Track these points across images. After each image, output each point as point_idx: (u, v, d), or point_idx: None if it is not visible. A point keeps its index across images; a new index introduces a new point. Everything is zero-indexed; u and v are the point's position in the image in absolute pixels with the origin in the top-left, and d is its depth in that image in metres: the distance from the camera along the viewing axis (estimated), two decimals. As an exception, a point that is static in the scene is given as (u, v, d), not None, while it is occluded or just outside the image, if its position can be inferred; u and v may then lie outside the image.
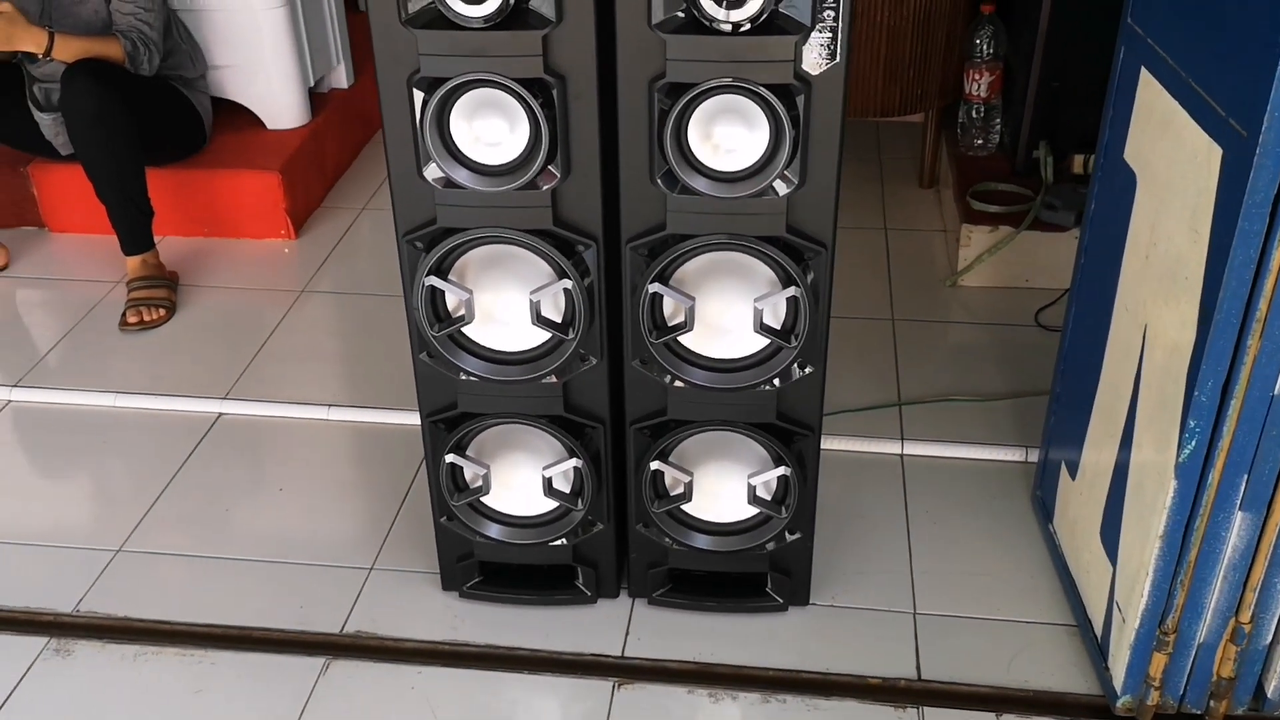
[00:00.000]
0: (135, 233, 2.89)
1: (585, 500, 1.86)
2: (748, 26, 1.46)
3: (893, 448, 2.36)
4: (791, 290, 1.64)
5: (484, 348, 1.76)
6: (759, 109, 1.52)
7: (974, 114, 3.11)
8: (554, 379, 1.76)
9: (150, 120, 2.89)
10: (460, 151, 1.60)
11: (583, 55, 1.53)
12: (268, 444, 2.46)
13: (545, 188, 1.61)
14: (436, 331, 1.72)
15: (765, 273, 1.67)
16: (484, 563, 2.00)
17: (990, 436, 2.38)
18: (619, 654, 1.93)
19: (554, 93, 1.54)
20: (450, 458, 1.84)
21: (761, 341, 1.71)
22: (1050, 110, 2.91)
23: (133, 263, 2.90)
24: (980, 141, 3.13)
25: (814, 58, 1.50)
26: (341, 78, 3.64)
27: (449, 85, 1.53)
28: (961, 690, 1.86)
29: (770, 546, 1.89)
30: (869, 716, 1.82)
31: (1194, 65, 1.50)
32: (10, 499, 2.33)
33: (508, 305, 1.72)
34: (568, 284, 1.66)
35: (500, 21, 1.49)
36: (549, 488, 1.85)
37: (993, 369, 2.60)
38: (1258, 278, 1.39)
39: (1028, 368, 2.57)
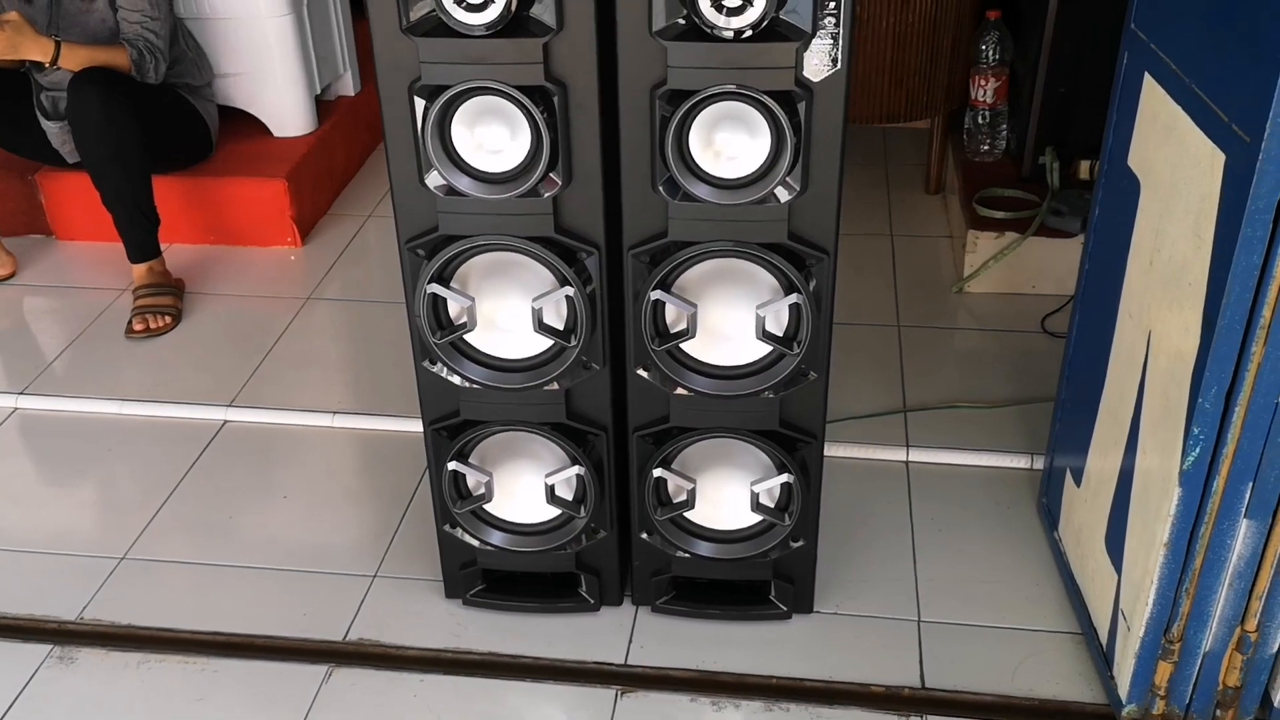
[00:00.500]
0: (141, 240, 2.90)
1: (588, 508, 1.86)
2: (749, 33, 1.46)
3: (898, 454, 2.36)
4: (794, 297, 1.63)
5: (486, 355, 1.76)
6: (760, 116, 1.51)
7: (980, 120, 3.11)
8: (556, 386, 1.76)
9: (157, 128, 2.90)
10: (462, 159, 1.60)
11: (584, 63, 1.53)
12: (272, 451, 2.46)
13: (547, 195, 1.61)
14: (439, 339, 1.72)
15: (767, 279, 1.67)
16: (487, 570, 2.00)
17: (996, 443, 2.37)
18: (622, 662, 1.92)
19: (555, 100, 1.54)
20: (453, 465, 1.83)
21: (764, 348, 1.71)
22: (1056, 116, 2.91)
23: (139, 270, 2.91)
24: (986, 147, 3.13)
25: (815, 64, 1.50)
26: (348, 85, 3.65)
27: (450, 93, 1.53)
28: (966, 699, 1.85)
29: (774, 554, 1.89)
30: (873, 725, 1.81)
31: (1197, 71, 1.50)
32: (15, 506, 2.34)
33: (510, 312, 1.71)
34: (570, 291, 1.66)
35: (501, 29, 1.49)
36: (552, 495, 1.85)
37: (999, 375, 2.59)
38: (1261, 284, 1.38)
39: (1034, 374, 2.57)
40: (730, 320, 1.69)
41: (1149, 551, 1.63)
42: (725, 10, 1.44)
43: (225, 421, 2.54)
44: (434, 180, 1.60)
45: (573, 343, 1.70)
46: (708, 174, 1.57)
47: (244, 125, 3.35)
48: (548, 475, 1.83)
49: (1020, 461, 2.32)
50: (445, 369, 1.75)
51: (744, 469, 1.83)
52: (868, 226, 3.21)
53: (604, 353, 1.73)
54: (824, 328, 1.68)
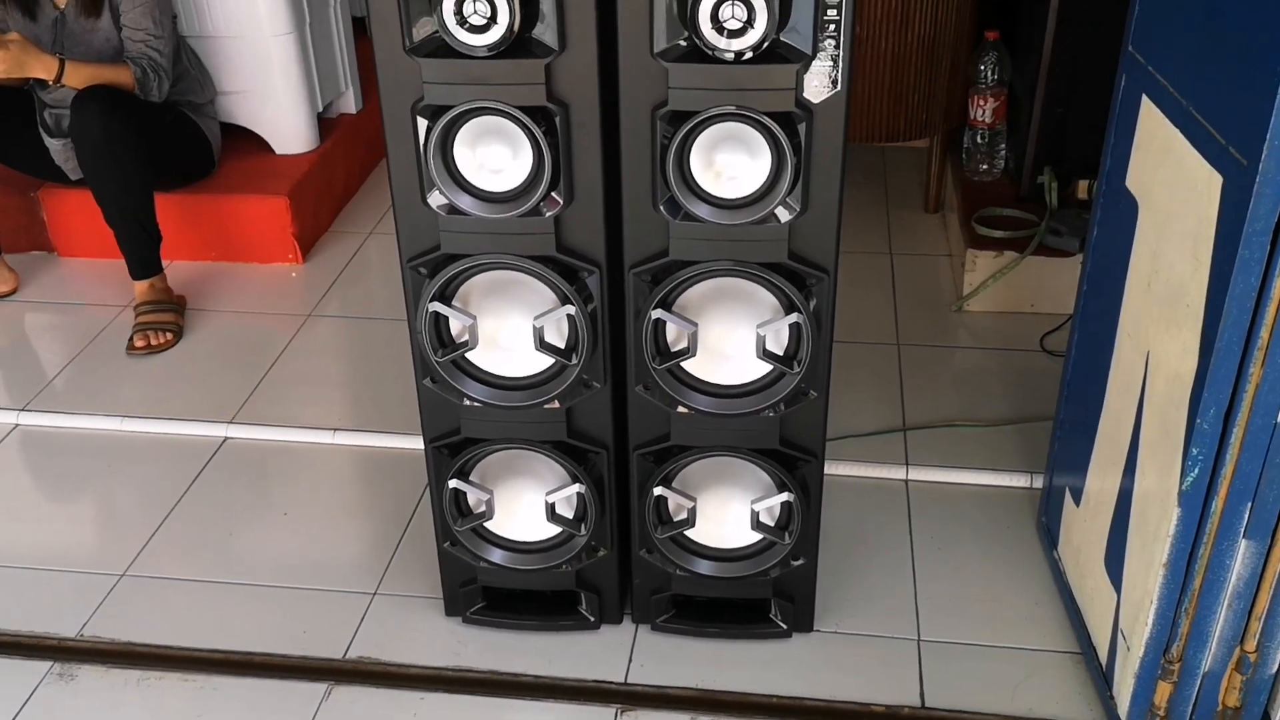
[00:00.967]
0: (143, 257, 2.91)
1: (588, 526, 1.86)
2: (749, 55, 1.47)
3: (898, 473, 2.36)
4: (794, 316, 1.64)
5: (487, 373, 1.77)
6: (761, 136, 1.52)
7: (979, 139, 3.12)
8: (557, 404, 1.76)
9: (159, 145, 2.91)
10: (464, 178, 1.61)
11: (585, 83, 1.54)
12: (273, 468, 2.47)
13: (548, 214, 1.61)
14: (440, 357, 1.73)
15: (768, 299, 1.67)
16: (487, 588, 2.00)
17: (995, 462, 2.37)
18: (622, 680, 1.92)
19: (557, 120, 1.55)
20: (453, 483, 1.84)
21: (764, 367, 1.71)
22: (1055, 136, 2.92)
23: (140, 287, 2.92)
24: (985, 167, 3.14)
25: (815, 86, 1.51)
26: (350, 103, 3.67)
27: (453, 113, 1.54)
28: (966, 718, 1.85)
29: (774, 572, 1.89)
30: (873, 744, 1.81)
31: (1194, 93, 1.51)
32: (16, 523, 2.34)
33: (511, 331, 1.72)
34: (571, 310, 1.67)
35: (504, 50, 1.50)
36: (552, 513, 1.85)
37: (998, 394, 2.60)
38: (1259, 306, 1.39)
39: (1033, 393, 2.57)
40: (731, 339, 1.70)
41: (1148, 571, 1.63)
42: (726, 33, 1.45)
43: (226, 438, 2.54)
44: (436, 199, 1.61)
45: (574, 361, 1.71)
46: (708, 194, 1.58)
47: (246, 142, 3.37)
48: (548, 493, 1.83)
49: (1020, 480, 2.32)
50: (446, 387, 1.76)
51: (744, 487, 1.84)
52: (867, 245, 3.22)
53: (605, 371, 1.74)
54: (824, 347, 1.69)
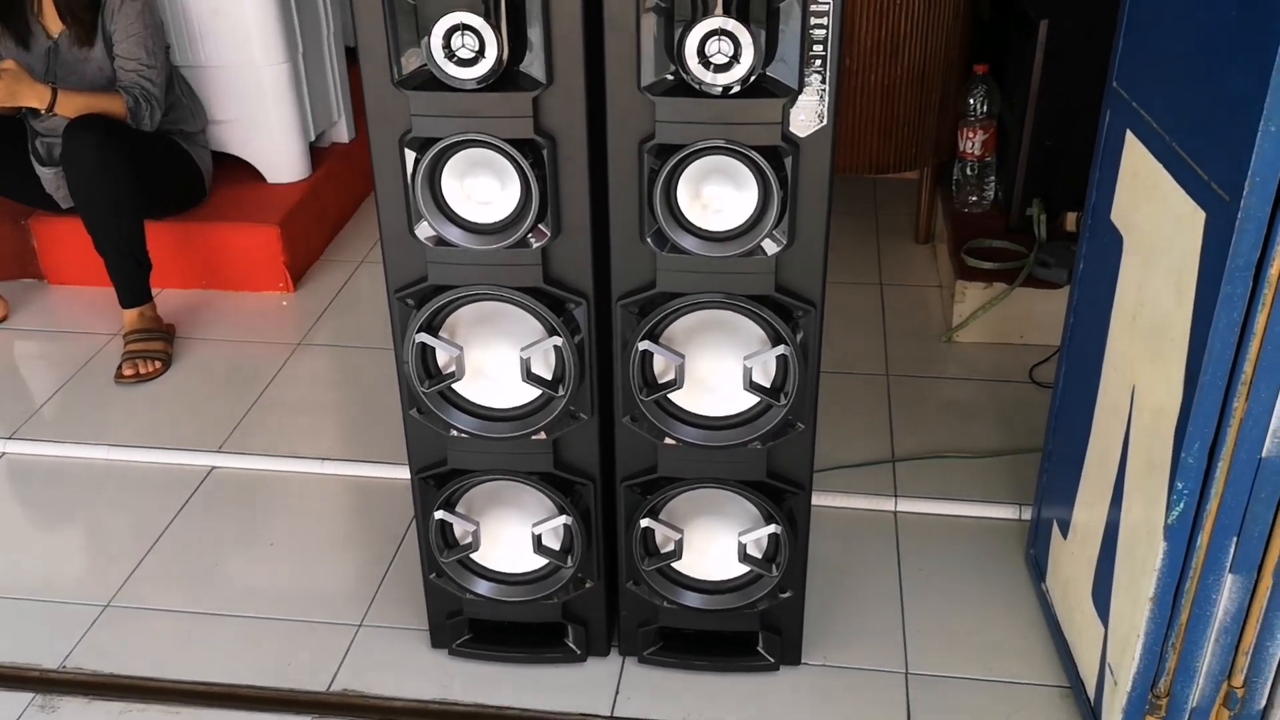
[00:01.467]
0: (133, 286, 2.91)
1: (575, 557, 1.85)
2: (736, 89, 1.48)
3: (887, 504, 2.36)
4: (781, 349, 1.64)
5: (474, 404, 1.76)
6: (748, 170, 1.53)
7: (968, 171, 3.14)
8: (544, 436, 1.76)
9: (150, 174, 2.92)
10: (451, 210, 1.61)
11: (573, 116, 1.55)
12: (260, 498, 2.46)
13: (536, 246, 1.62)
14: (427, 388, 1.73)
15: (755, 331, 1.68)
16: (474, 620, 1.99)
17: (984, 494, 2.37)
18: (608, 713, 1.91)
19: (545, 153, 1.55)
20: (440, 514, 1.83)
21: (751, 399, 1.71)
22: (1043, 168, 2.94)
23: (130, 315, 2.92)
24: (975, 198, 3.16)
25: (802, 120, 1.52)
26: (342, 132, 3.68)
27: (440, 145, 1.55)
28: (954, 753, 1.84)
29: (761, 605, 1.88)
30: (860, 779, 1.80)
31: (1177, 129, 1.52)
32: (0, 552, 2.32)
33: (498, 362, 1.72)
34: (558, 341, 1.67)
35: (492, 83, 1.51)
36: (539, 545, 1.84)
37: (987, 426, 2.60)
38: (1242, 341, 1.39)
39: (1022, 424, 2.57)
40: (718, 371, 1.70)
41: (1135, 605, 1.63)
42: (713, 67, 1.46)
43: (213, 468, 2.53)
44: (424, 231, 1.62)
45: (561, 392, 1.71)
46: (696, 226, 1.58)
47: (238, 171, 3.37)
48: (535, 525, 1.83)
49: (1008, 512, 2.32)
50: (433, 418, 1.75)
51: (731, 519, 1.83)
52: (858, 275, 3.23)
53: (592, 403, 1.74)
54: (811, 379, 1.69)
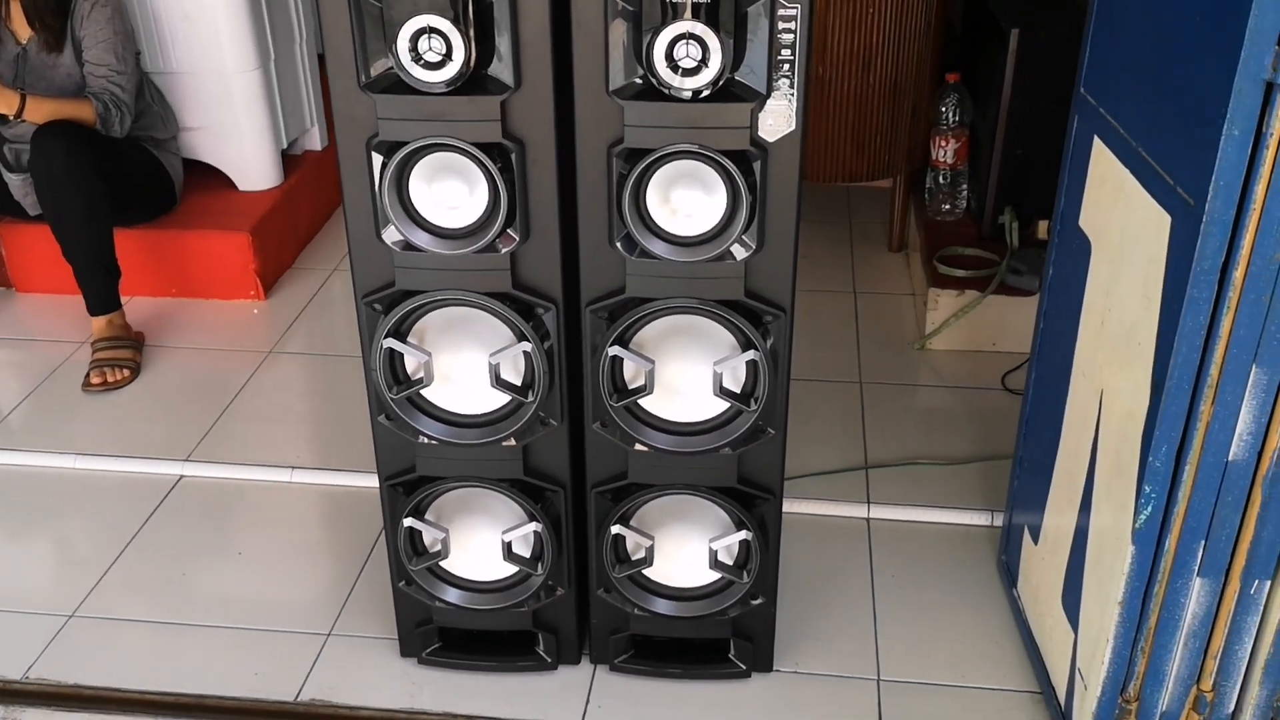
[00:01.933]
0: (102, 293, 2.88)
1: (545, 565, 1.84)
2: (705, 93, 1.48)
3: (859, 511, 2.35)
4: (751, 354, 1.64)
5: (443, 410, 1.75)
6: (716, 174, 1.53)
7: (941, 180, 3.15)
8: (513, 442, 1.75)
9: (120, 181, 2.89)
10: (419, 214, 1.60)
11: (541, 120, 1.54)
12: (229, 507, 2.43)
13: (504, 250, 1.61)
14: (395, 394, 1.71)
15: (725, 336, 1.67)
16: (443, 628, 1.97)
17: (957, 500, 2.37)
18: (579, 722, 1.90)
19: (513, 157, 1.55)
20: (409, 522, 1.82)
21: (722, 405, 1.71)
22: (1015, 176, 2.95)
23: (98, 323, 2.89)
24: (947, 207, 3.17)
25: (770, 125, 1.52)
26: (315, 140, 3.66)
27: (408, 149, 1.54)
28: (925, 759, 1.84)
29: (732, 612, 1.88)
30: (831, 786, 1.80)
31: (1143, 134, 1.53)
32: (-36, 562, 2.30)
33: (467, 368, 1.71)
34: (527, 347, 1.66)
35: (460, 87, 1.50)
36: (509, 552, 1.83)
37: (960, 432, 2.60)
38: (1208, 344, 1.40)
39: (994, 431, 2.58)
40: (688, 376, 1.69)
41: (1104, 610, 1.63)
42: (681, 71, 1.46)
43: (181, 476, 2.51)
44: (391, 235, 1.61)
45: (530, 398, 1.70)
46: (665, 231, 1.58)
47: (208, 178, 3.35)
48: (505, 532, 1.82)
49: (980, 519, 2.32)
50: (401, 424, 1.74)
51: (702, 526, 1.83)
52: (831, 283, 3.23)
53: (562, 408, 1.73)
54: (781, 384, 1.69)
